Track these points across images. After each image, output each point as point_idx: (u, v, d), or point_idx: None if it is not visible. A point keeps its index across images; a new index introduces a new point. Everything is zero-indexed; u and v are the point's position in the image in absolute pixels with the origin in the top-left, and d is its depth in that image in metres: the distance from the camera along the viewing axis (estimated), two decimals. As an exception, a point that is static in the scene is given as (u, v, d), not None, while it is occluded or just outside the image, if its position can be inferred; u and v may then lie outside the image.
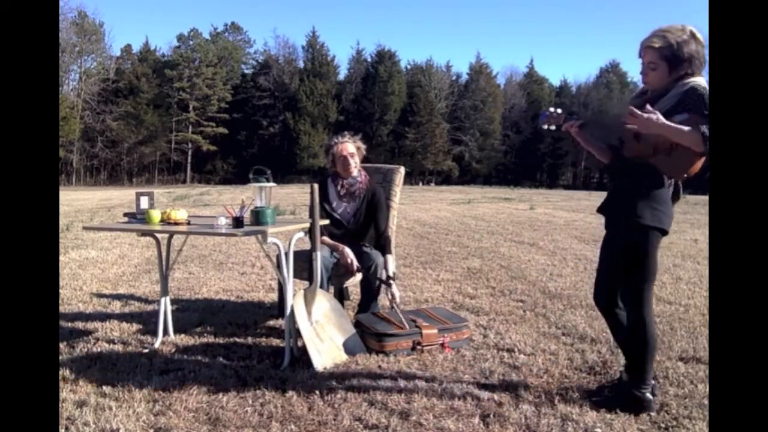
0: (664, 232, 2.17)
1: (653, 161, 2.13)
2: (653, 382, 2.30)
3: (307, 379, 2.56)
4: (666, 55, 2.12)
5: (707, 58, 2.11)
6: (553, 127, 2.41)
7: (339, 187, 3.47)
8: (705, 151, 2.01)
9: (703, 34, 2.14)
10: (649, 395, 2.22)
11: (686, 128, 2.02)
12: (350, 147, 3.46)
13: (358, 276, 3.46)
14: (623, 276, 2.23)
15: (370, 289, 3.34)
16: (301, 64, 54.50)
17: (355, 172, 3.47)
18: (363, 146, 3.55)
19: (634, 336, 2.23)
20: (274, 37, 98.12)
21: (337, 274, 3.31)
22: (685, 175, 2.13)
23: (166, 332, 3.19)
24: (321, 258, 3.17)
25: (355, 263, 3.23)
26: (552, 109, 2.41)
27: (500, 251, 6.71)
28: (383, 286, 3.27)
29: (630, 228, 2.16)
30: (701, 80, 2.14)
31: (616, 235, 2.26)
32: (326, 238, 3.38)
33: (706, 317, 3.64)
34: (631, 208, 2.15)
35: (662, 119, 2.06)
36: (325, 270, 3.19)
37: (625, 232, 2.19)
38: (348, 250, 3.26)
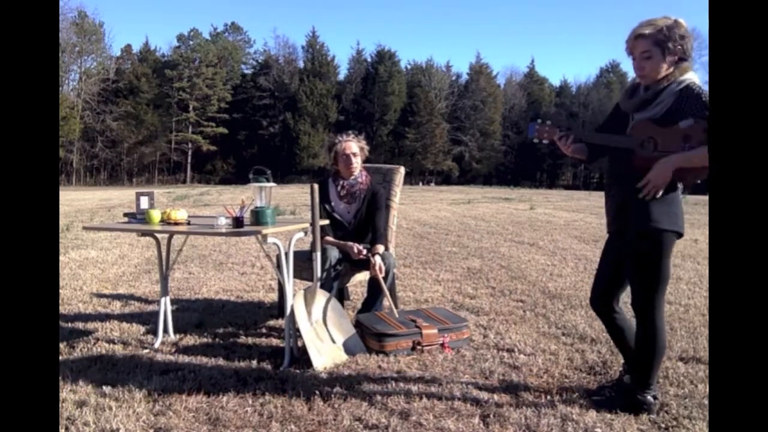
0: (680, 235, 2.15)
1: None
2: (656, 383, 2.29)
3: (307, 379, 2.56)
4: (658, 40, 2.09)
5: (707, 59, 2.11)
6: (545, 141, 2.32)
7: (339, 188, 3.47)
8: None
9: (698, 32, 2.15)
10: (650, 398, 2.21)
11: (698, 152, 2.02)
12: (354, 146, 3.46)
13: (359, 276, 3.46)
14: (636, 281, 2.19)
15: (376, 289, 3.34)
16: (301, 64, 54.54)
17: (356, 172, 3.47)
18: (366, 147, 3.55)
19: (645, 342, 2.19)
20: (274, 37, 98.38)
21: (343, 273, 3.32)
22: (698, 181, 2.12)
23: (166, 332, 3.19)
24: (329, 257, 3.18)
25: (362, 248, 3.27)
26: (540, 121, 2.32)
27: (500, 251, 6.71)
28: (370, 260, 3.25)
29: (646, 234, 2.12)
30: (694, 76, 2.12)
31: (630, 241, 2.19)
32: (330, 238, 3.39)
33: (706, 317, 3.64)
34: (645, 213, 2.12)
35: (670, 163, 2.05)
36: (332, 269, 3.19)
37: (641, 238, 2.14)
38: (352, 243, 3.31)
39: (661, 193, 2.10)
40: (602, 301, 2.36)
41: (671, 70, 2.13)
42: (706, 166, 2.02)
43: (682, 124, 2.07)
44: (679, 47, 2.10)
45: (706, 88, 2.09)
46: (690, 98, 2.07)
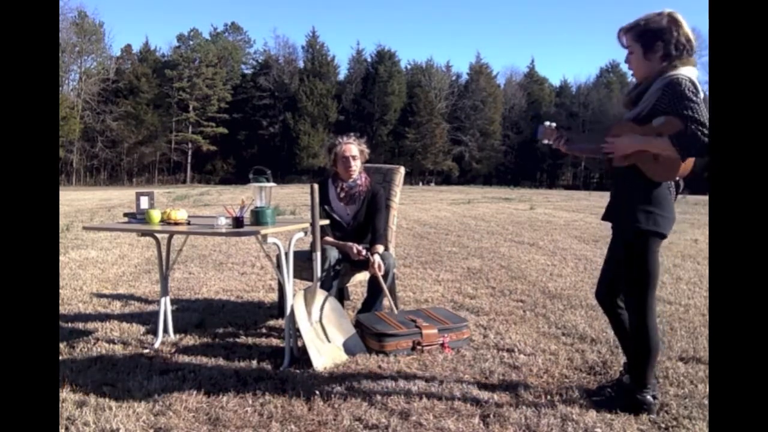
0: (663, 236, 2.15)
1: (642, 168, 2.11)
2: (655, 381, 2.29)
3: (307, 379, 2.56)
4: (636, 35, 2.10)
5: (707, 59, 2.10)
6: (551, 143, 2.42)
7: (338, 190, 3.47)
8: (682, 157, 2.00)
9: (698, 32, 2.14)
10: (650, 398, 2.22)
11: (659, 140, 2.02)
12: (354, 149, 3.46)
13: (359, 276, 3.46)
14: (625, 281, 2.22)
15: (376, 288, 3.34)
16: (301, 64, 54.54)
17: (355, 175, 3.47)
18: (367, 150, 3.54)
19: (637, 341, 2.20)
20: (274, 37, 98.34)
21: (343, 273, 3.32)
22: (677, 177, 2.12)
23: (166, 332, 3.19)
24: (329, 257, 3.18)
25: (361, 249, 3.27)
26: (547, 124, 2.40)
27: (500, 251, 6.71)
28: (370, 259, 3.25)
29: (628, 233, 2.15)
30: (686, 71, 2.07)
31: (617, 240, 2.23)
32: (330, 238, 3.39)
33: (706, 317, 3.64)
34: (628, 212, 2.13)
35: (635, 140, 2.08)
36: (332, 269, 3.19)
37: (624, 237, 2.17)
38: (352, 243, 3.31)
39: (618, 159, 2.15)
40: (605, 296, 2.37)
41: (662, 66, 2.11)
42: (670, 157, 2.02)
43: (654, 122, 2.07)
44: (660, 43, 2.08)
45: (697, 82, 2.06)
46: (669, 95, 2.03)
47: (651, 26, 2.09)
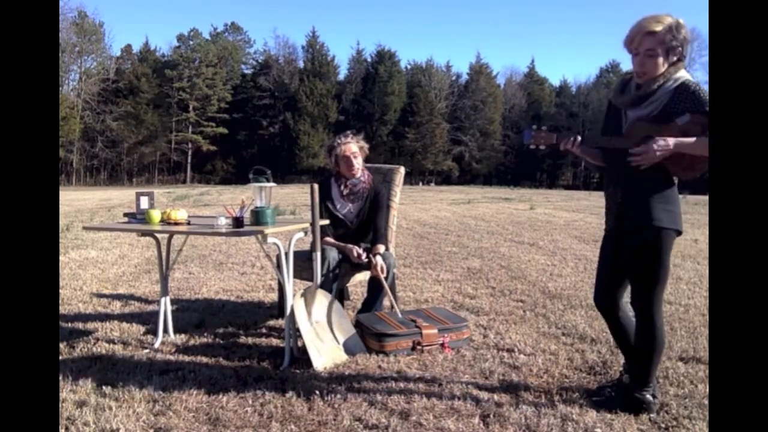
0: (679, 233, 2.16)
1: (670, 167, 2.11)
2: (655, 381, 2.29)
3: (307, 379, 2.56)
4: (665, 40, 2.10)
5: (707, 59, 2.11)
6: (542, 147, 2.27)
7: (342, 188, 3.47)
8: None
9: (698, 32, 2.16)
10: (650, 397, 2.22)
11: (694, 140, 2.03)
12: (353, 147, 3.46)
13: (359, 276, 3.46)
14: (636, 279, 2.20)
15: (377, 288, 3.34)
16: (301, 64, 54.53)
17: (358, 173, 3.47)
18: (366, 145, 3.54)
19: (643, 339, 2.20)
20: (274, 37, 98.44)
21: (342, 274, 3.31)
22: (698, 175, 2.13)
23: (166, 332, 3.19)
24: (328, 258, 3.17)
25: (362, 252, 3.25)
26: (535, 127, 2.27)
27: (500, 251, 6.71)
28: (371, 260, 3.24)
29: (646, 231, 2.13)
30: (687, 74, 2.13)
31: (630, 238, 2.19)
32: (330, 239, 3.38)
33: (706, 317, 3.64)
34: (645, 211, 2.13)
35: (670, 143, 2.04)
36: (330, 272, 3.18)
37: (641, 235, 2.15)
38: (352, 245, 3.29)
39: (644, 165, 2.09)
40: (606, 300, 2.36)
41: (667, 68, 2.13)
42: (704, 156, 2.02)
43: (679, 121, 2.07)
44: (680, 49, 2.12)
45: (702, 85, 2.10)
46: (686, 95, 2.08)
47: (679, 35, 2.10)
